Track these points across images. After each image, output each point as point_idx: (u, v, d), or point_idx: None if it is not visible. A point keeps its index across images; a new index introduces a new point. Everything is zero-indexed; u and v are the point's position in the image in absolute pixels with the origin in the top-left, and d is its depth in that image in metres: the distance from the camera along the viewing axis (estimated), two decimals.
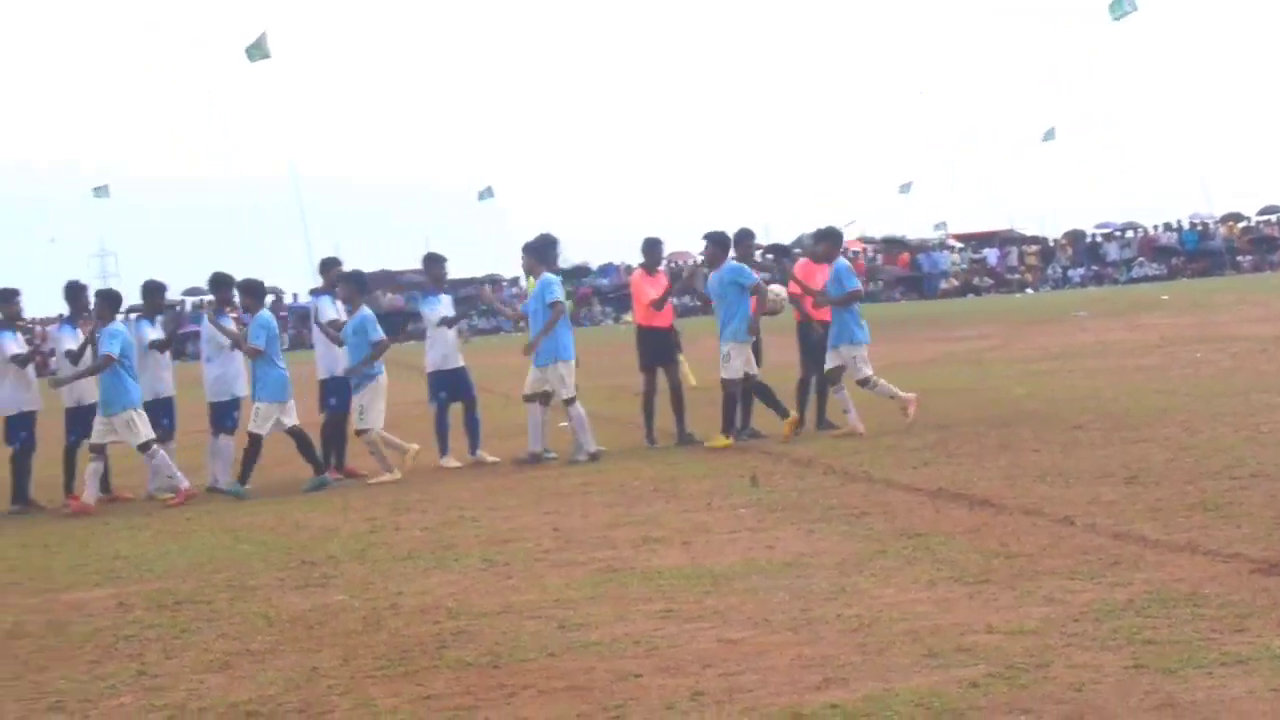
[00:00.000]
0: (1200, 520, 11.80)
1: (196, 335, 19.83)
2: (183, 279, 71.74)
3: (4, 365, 20.03)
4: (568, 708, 8.04)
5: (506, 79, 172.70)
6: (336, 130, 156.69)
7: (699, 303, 24.64)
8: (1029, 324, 43.05)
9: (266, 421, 19.31)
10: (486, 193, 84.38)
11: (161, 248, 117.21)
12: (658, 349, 21.04)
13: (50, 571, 14.24)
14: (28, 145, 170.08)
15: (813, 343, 20.95)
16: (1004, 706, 7.42)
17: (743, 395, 20.71)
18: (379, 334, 20.05)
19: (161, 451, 19.15)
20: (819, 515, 13.61)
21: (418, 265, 23.68)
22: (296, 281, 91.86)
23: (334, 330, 20.49)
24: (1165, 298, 49.99)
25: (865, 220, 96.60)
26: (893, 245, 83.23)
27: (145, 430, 19.03)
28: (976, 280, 77.96)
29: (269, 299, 74.68)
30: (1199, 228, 77.94)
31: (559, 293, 20.18)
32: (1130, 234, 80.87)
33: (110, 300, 20.06)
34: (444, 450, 20.65)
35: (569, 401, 19.84)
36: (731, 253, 20.61)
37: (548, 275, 20.35)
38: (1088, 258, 79.85)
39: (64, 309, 21.14)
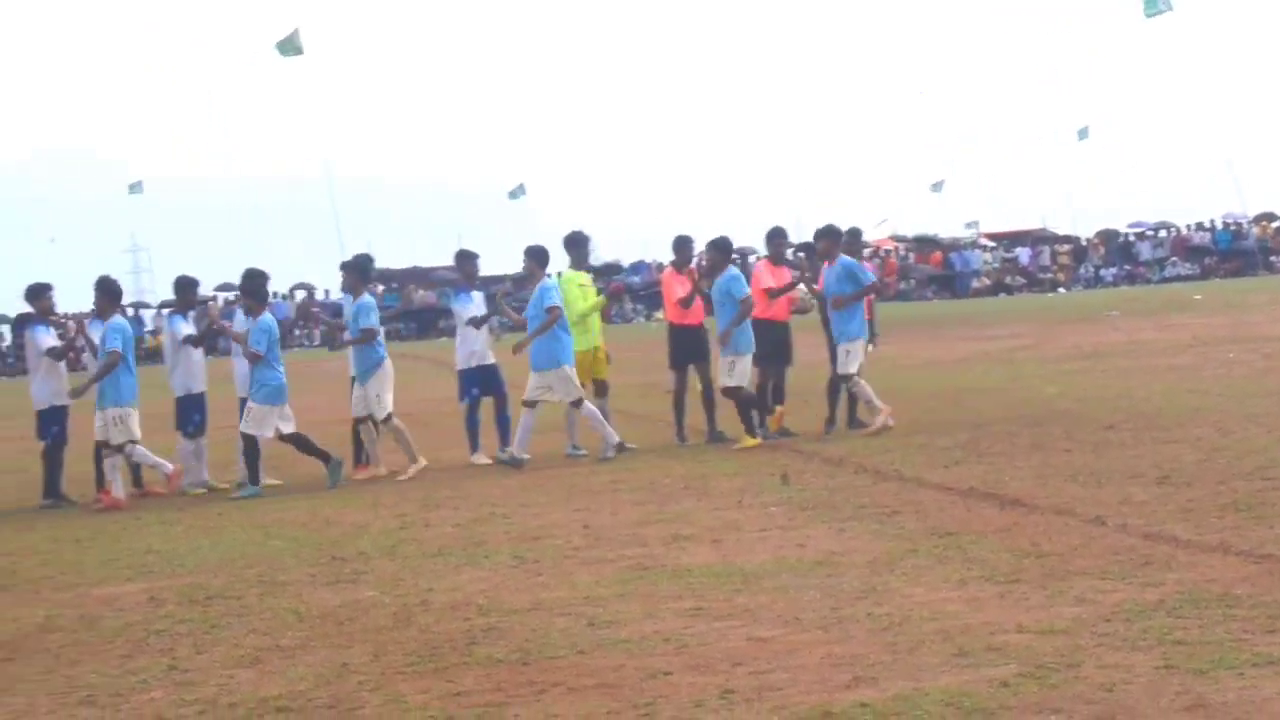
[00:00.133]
0: (1232, 521, 11.77)
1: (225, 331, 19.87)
2: (215, 275, 71.78)
3: (37, 359, 20.11)
4: (597, 705, 8.04)
5: (538, 77, 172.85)
6: (369, 128, 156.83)
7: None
8: (1061, 323, 42.94)
9: (262, 423, 19.26)
10: (518, 190, 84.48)
11: (194, 244, 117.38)
12: (689, 347, 21.03)
13: (82, 566, 14.28)
14: (60, 140, 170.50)
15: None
16: (1034, 706, 7.40)
17: (773, 395, 20.70)
18: (370, 322, 20.00)
19: (140, 448, 19.21)
20: (850, 514, 13.60)
21: (450, 262, 23.66)
22: (328, 278, 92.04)
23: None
24: (1198, 298, 49.82)
25: (897, 219, 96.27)
26: (925, 244, 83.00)
27: (133, 430, 19.05)
28: (1009, 279, 77.71)
29: (300, 295, 75.02)
30: (1232, 227, 77.60)
31: (557, 298, 20.17)
32: (1163, 233, 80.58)
33: (109, 292, 20.03)
34: (475, 447, 20.66)
35: (577, 403, 19.84)
36: (759, 253, 20.62)
37: (545, 281, 20.36)
38: (1120, 257, 79.57)
39: (94, 305, 21.13)
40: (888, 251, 80.00)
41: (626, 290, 23.12)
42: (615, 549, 12.72)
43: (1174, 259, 77.29)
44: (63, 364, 20.37)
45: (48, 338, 20.08)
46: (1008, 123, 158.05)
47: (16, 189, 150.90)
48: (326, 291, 72.99)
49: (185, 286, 21.23)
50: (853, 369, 20.22)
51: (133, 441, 19.11)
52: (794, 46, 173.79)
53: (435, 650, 9.59)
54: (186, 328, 20.49)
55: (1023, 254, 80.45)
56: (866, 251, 69.54)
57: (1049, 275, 77.99)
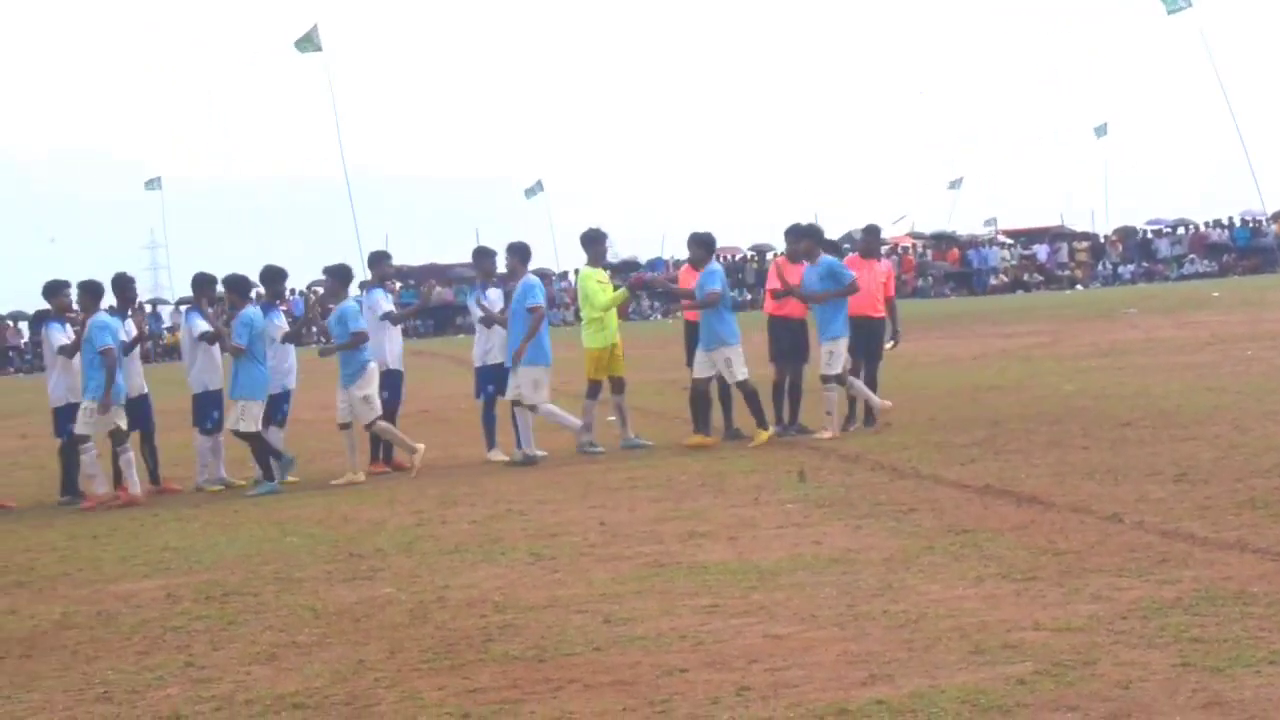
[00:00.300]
0: (1249, 518, 11.76)
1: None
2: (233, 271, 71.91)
3: (53, 357, 20.13)
4: (613, 702, 8.05)
5: (556, 75, 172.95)
6: (387, 125, 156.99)
7: (748, 296, 24.62)
8: (1079, 321, 42.85)
9: (256, 420, 19.26)
10: (536, 187, 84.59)
11: (212, 240, 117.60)
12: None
13: (99, 563, 14.30)
14: (79, 139, 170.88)
15: (851, 339, 20.87)
16: (1050, 704, 7.40)
17: (790, 393, 20.69)
18: (359, 325, 19.93)
19: (93, 453, 19.13)
20: (866, 511, 13.60)
21: (468, 259, 23.67)
22: None
23: (393, 318, 20.62)
24: (1216, 295, 49.70)
25: (915, 216, 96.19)
26: (943, 241, 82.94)
27: (97, 425, 19.05)
28: (1026, 276, 77.58)
29: (319, 292, 75.07)
30: (1251, 224, 77.43)
31: (540, 297, 20.18)
32: (1181, 230, 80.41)
33: (92, 292, 20.01)
34: (491, 444, 20.67)
35: (530, 407, 19.88)
36: (778, 250, 20.59)
37: (529, 278, 20.36)
38: (1138, 254, 79.41)
39: (112, 300, 21.14)
40: (905, 248, 79.95)
41: (645, 286, 23.05)
42: (632, 546, 12.72)
43: (1192, 256, 77.09)
44: (78, 360, 20.34)
45: (62, 335, 20.07)
46: (1026, 120, 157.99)
47: (36, 187, 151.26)
48: None
49: (203, 283, 21.22)
50: (836, 369, 20.18)
51: (84, 437, 19.11)
52: (813, 44, 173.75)
53: (451, 647, 9.60)
54: (203, 324, 20.48)
55: (1040, 251, 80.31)
56: (885, 249, 69.78)
57: (1067, 272, 77.84)
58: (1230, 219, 78.92)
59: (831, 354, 20.16)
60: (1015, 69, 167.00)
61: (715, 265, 20.75)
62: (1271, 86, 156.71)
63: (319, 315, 23.53)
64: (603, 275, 21.44)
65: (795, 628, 9.39)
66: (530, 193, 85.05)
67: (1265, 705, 7.18)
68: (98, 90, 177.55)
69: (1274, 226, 77.28)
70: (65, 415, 19.84)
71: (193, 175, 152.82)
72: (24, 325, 66.01)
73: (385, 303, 21.12)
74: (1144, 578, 9.99)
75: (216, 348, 20.38)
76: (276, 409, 20.04)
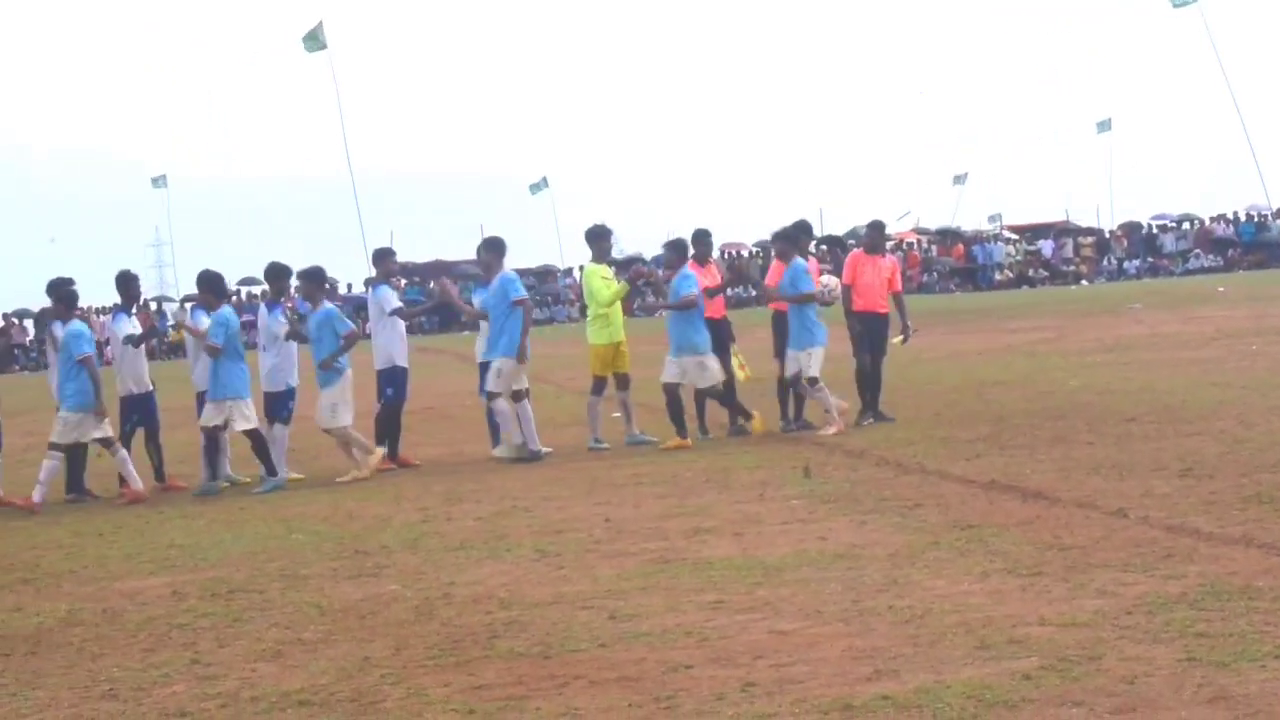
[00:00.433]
0: (1255, 513, 11.75)
1: (253, 325, 19.76)
2: (239, 269, 71.99)
3: (56, 355, 20.12)
4: (619, 698, 8.05)
5: (561, 71, 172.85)
6: (392, 122, 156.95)
7: (753, 293, 24.61)
8: (1084, 316, 42.86)
9: (250, 418, 19.19)
10: (540, 184, 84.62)
11: (217, 238, 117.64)
12: (711, 339, 20.97)
13: (105, 560, 14.32)
14: (84, 138, 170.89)
15: (855, 334, 20.88)
16: (1056, 699, 7.40)
17: (795, 388, 20.70)
18: (348, 325, 19.87)
19: (57, 460, 19.04)
20: (871, 507, 13.60)
21: (473, 255, 23.68)
22: (352, 272, 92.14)
23: (402, 314, 20.63)
24: (1221, 290, 49.69)
25: (920, 211, 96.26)
26: (948, 237, 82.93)
27: (71, 436, 19.01)
28: (1031, 272, 77.57)
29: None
30: (1256, 219, 77.41)
31: (522, 289, 20.20)
32: (1186, 226, 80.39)
33: (66, 297, 19.98)
34: (496, 440, 20.68)
35: (491, 397, 19.89)
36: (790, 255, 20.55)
37: (506, 273, 20.34)
38: (1143, 249, 79.40)
39: (117, 298, 21.13)
40: (910, 244, 79.92)
41: (648, 279, 22.95)
42: (637, 542, 12.73)
43: (1197, 251, 77.08)
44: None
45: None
46: (1030, 116, 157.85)
47: (41, 186, 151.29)
48: (349, 285, 73.18)
49: (209, 280, 21.21)
50: (815, 370, 20.18)
51: (56, 446, 19.06)
52: (817, 42, 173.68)
53: (457, 644, 9.61)
54: (208, 322, 20.46)
55: (1045, 247, 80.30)
56: (890, 245, 69.65)
57: (1071, 268, 77.83)
58: (1235, 214, 78.91)
59: (811, 356, 20.16)
60: (1019, 65, 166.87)
61: (688, 270, 20.73)
62: (1277, 81, 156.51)
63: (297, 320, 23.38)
64: (607, 271, 21.44)
65: (800, 623, 9.39)
66: (535, 189, 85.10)
67: (1271, 700, 7.17)
68: (103, 89, 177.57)
69: (1279, 221, 77.22)
70: None
71: (198, 173, 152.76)
72: (29, 323, 66.06)
73: (394, 299, 21.12)
74: (1149, 573, 9.99)
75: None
76: (281, 406, 20.01)
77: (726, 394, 20.16)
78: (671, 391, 20.21)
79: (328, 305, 20.22)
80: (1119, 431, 17.34)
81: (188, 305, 23.75)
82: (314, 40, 65.41)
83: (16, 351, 68.08)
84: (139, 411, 19.84)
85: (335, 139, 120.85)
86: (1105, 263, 78.80)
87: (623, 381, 20.89)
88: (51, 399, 20.19)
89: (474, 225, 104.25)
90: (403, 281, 62.64)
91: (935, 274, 77.83)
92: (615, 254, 40.46)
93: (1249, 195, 78.87)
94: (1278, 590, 9.22)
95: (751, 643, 8.99)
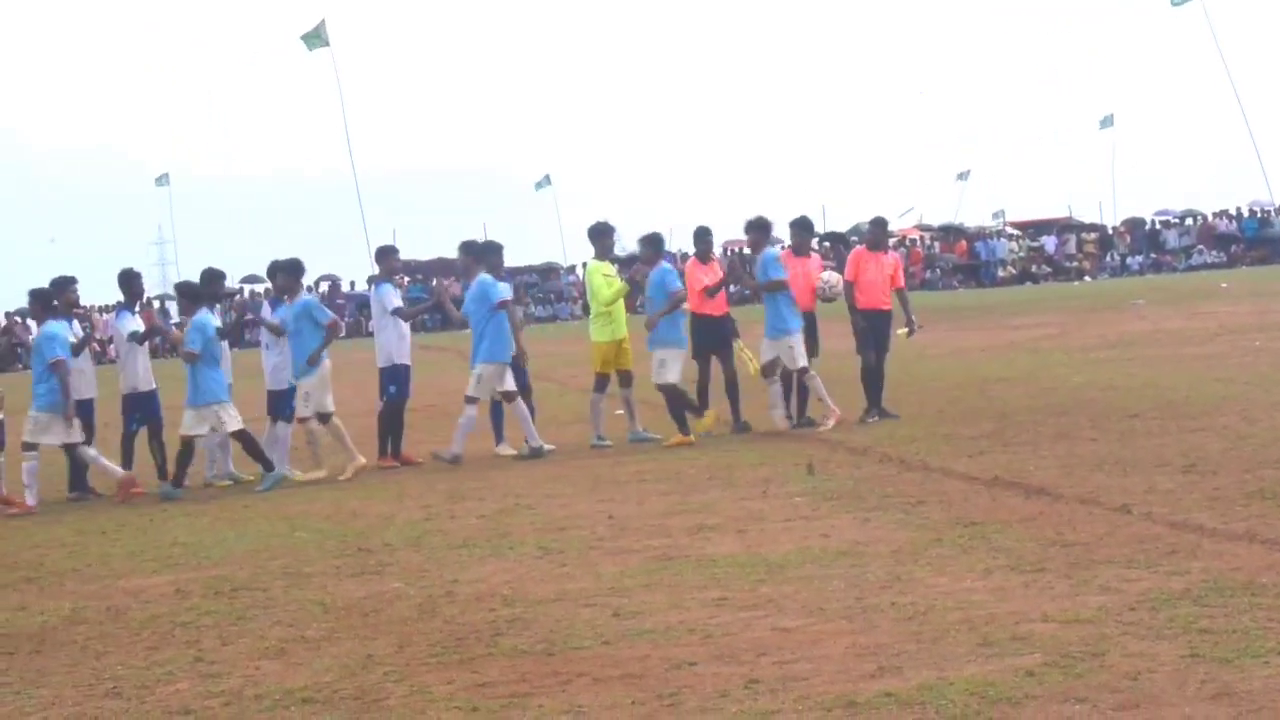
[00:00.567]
0: (1258, 509, 11.75)
1: (256, 323, 19.72)
2: (242, 267, 72.06)
3: None
4: (622, 695, 8.05)
5: (564, 67, 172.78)
6: (395, 119, 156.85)
7: (748, 291, 24.64)
8: (1087, 312, 42.83)
9: (236, 419, 19.16)
10: (544, 181, 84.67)
11: (219, 236, 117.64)
12: (711, 336, 21.00)
13: (108, 558, 14.33)
14: (89, 135, 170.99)
15: (860, 330, 20.88)
16: (1059, 695, 7.40)
17: (798, 386, 20.71)
18: (328, 315, 19.82)
19: (35, 460, 18.98)
20: (875, 503, 13.60)
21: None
22: (355, 269, 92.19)
23: (402, 314, 20.62)
24: (1224, 286, 49.67)
25: (923, 208, 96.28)
26: (951, 233, 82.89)
27: (49, 438, 18.97)
28: (1034, 268, 77.51)
29: (325, 286, 75.09)
30: (1259, 215, 77.35)
31: (501, 292, 20.19)
32: (1189, 221, 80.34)
33: (42, 299, 19.98)
34: (499, 438, 20.69)
35: (468, 400, 19.89)
36: (785, 244, 20.55)
37: (483, 277, 20.33)
38: (1146, 245, 79.36)
39: (120, 296, 21.12)
40: (913, 241, 79.89)
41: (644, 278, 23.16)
42: (640, 539, 12.73)
43: (1200, 247, 77.02)
44: (84, 358, 20.34)
45: (67, 334, 20.06)
46: (1032, 113, 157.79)
47: (43, 185, 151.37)
48: (352, 283, 73.22)
49: (211, 279, 21.23)
50: (803, 361, 20.20)
51: (29, 445, 19.05)
52: (819, 41, 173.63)
53: (460, 641, 9.61)
54: (212, 321, 20.47)
55: (1048, 243, 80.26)
56: (892, 241, 69.58)
57: (1075, 264, 77.79)
58: (1238, 209, 78.86)
59: (791, 348, 20.15)
60: (1021, 63, 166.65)
61: (666, 264, 20.70)
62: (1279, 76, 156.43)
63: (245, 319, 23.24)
64: (610, 269, 21.42)
65: (804, 620, 9.40)
66: (538, 186, 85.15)
67: (1274, 696, 7.17)
68: (106, 87, 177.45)
69: None
70: None
71: (201, 171, 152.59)
72: (32, 322, 66.05)
73: (395, 298, 21.12)
74: (1152, 569, 9.99)
75: (226, 344, 20.37)
76: (285, 404, 20.03)
77: (674, 400, 20.10)
78: (670, 390, 20.20)
79: (305, 296, 20.11)
80: (1122, 428, 17.34)
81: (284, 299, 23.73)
82: (316, 38, 65.46)
83: (19, 350, 68.04)
84: (142, 410, 19.85)
85: (338, 137, 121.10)
86: (1108, 259, 78.74)
87: (625, 379, 20.88)
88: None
89: (477, 223, 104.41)
90: (405, 279, 62.62)
91: (938, 270, 77.81)
92: (618, 251, 40.48)
93: (1252, 191, 78.88)
94: None
95: (755, 640, 8.99)
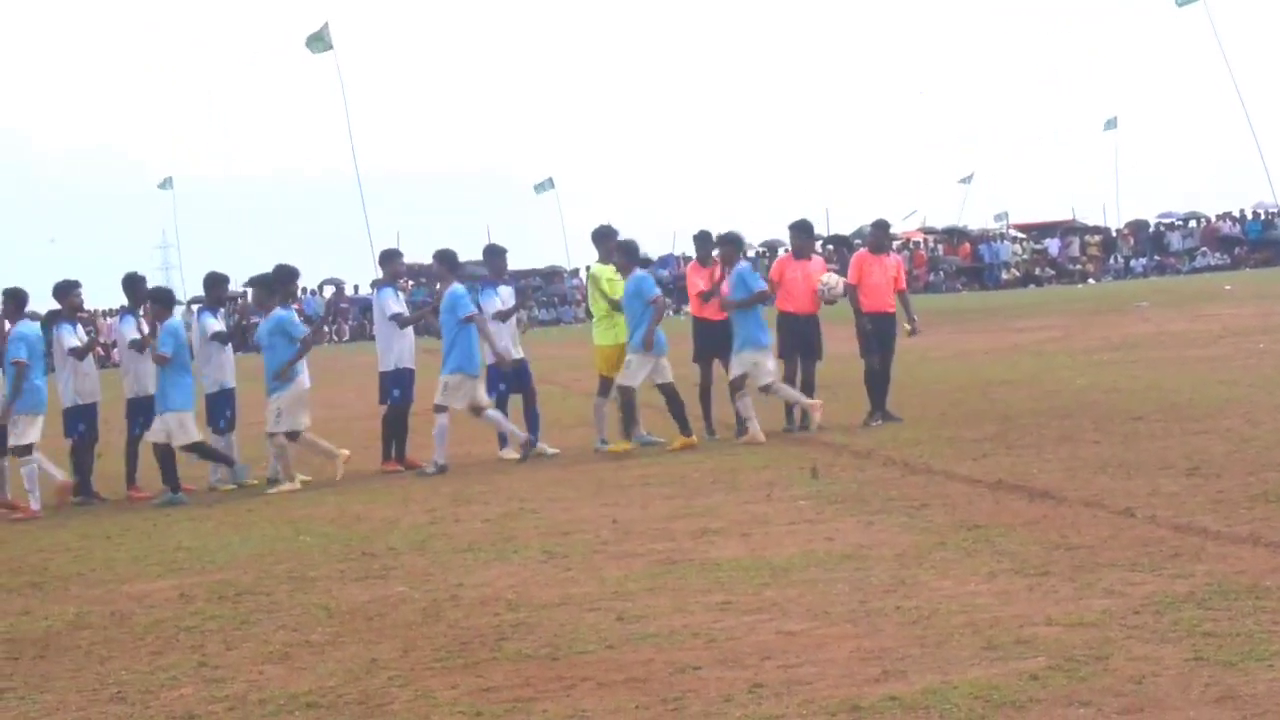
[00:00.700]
0: (1262, 512, 11.75)
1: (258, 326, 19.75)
2: (245, 271, 72.00)
3: (63, 358, 20.16)
4: (626, 699, 8.05)
5: (567, 71, 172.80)
6: (398, 123, 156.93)
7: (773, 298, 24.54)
8: (1090, 315, 42.79)
9: (187, 431, 19.13)
10: (546, 184, 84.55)
11: (224, 240, 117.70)
12: (711, 341, 20.99)
13: (112, 563, 14.33)
14: (94, 137, 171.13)
15: (866, 334, 20.87)
16: (1063, 699, 7.40)
17: (801, 389, 20.69)
18: (302, 330, 19.69)
19: (33, 464, 19.03)
20: (878, 507, 13.59)
21: (478, 257, 23.67)
22: (358, 273, 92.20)
23: (400, 320, 20.59)
24: (1228, 288, 49.59)
25: (927, 211, 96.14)
26: (954, 236, 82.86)
27: (30, 435, 18.98)
28: (1038, 271, 77.49)
29: (329, 290, 75.13)
30: (1262, 217, 77.30)
31: (471, 305, 20.17)
32: (1193, 224, 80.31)
33: (16, 299, 19.99)
34: (504, 442, 20.69)
35: (438, 409, 19.84)
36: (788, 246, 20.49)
37: (456, 287, 20.33)
38: (1150, 248, 79.34)
39: (125, 300, 21.17)
40: (917, 244, 79.89)
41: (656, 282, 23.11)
42: (644, 543, 12.73)
43: (1204, 249, 76.97)
44: (89, 362, 20.38)
45: (73, 337, 20.11)
46: (1036, 115, 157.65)
47: (48, 187, 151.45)
48: (356, 287, 73.25)
49: (214, 283, 21.26)
50: (771, 378, 20.16)
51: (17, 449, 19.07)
52: (822, 42, 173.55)
53: (465, 645, 9.61)
54: (216, 324, 20.51)
55: (1052, 245, 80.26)
56: (896, 244, 69.49)
57: (1078, 266, 77.75)
58: (1242, 211, 78.79)
59: (756, 364, 20.13)
60: (1024, 65, 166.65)
61: (641, 271, 20.67)
62: None
63: (247, 322, 23.29)
64: (613, 272, 21.41)
65: (808, 624, 9.40)
66: (541, 189, 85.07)
67: (1279, 699, 7.17)
68: (110, 90, 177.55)
69: None
70: (75, 416, 19.88)
71: (204, 174, 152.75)
72: (35, 325, 66.10)
73: (395, 303, 21.10)
74: (1156, 572, 9.99)
75: (229, 347, 20.39)
76: None
77: (628, 406, 20.04)
78: (670, 392, 20.17)
79: (279, 311, 20.04)
80: (1126, 430, 17.33)
81: (194, 307, 23.77)
82: (319, 41, 65.38)
83: None
84: (147, 414, 19.85)
85: (341, 139, 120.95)
86: (1112, 261, 78.73)
87: None
88: (58, 400, 20.22)
89: (481, 226, 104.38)
90: (409, 283, 62.58)
91: (942, 273, 77.79)
92: None
93: (1256, 193, 78.70)
94: None
95: (759, 644, 8.99)
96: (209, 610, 11.49)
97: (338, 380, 30.62)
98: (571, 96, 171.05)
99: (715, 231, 22.06)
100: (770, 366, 20.22)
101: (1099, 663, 7.94)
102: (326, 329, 66.83)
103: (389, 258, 22.08)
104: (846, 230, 73.97)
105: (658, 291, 20.37)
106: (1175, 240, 79.07)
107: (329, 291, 75.85)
